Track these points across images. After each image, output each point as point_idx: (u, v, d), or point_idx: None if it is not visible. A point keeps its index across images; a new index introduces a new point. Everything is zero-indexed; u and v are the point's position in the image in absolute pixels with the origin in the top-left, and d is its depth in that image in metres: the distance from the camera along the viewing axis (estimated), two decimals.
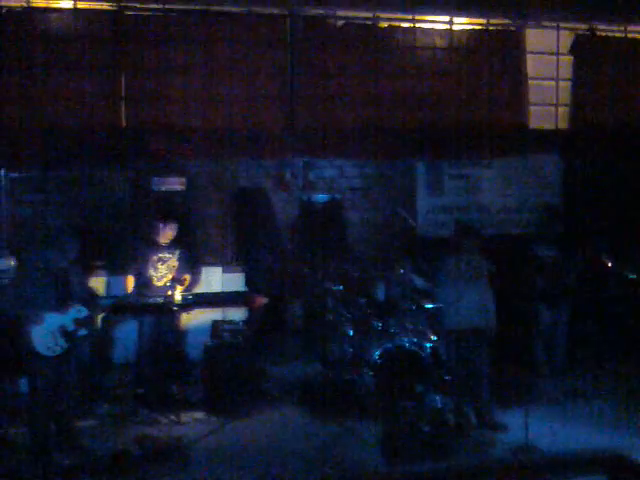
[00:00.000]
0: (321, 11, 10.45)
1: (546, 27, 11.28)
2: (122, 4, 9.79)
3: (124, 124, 9.95)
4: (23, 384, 9.19)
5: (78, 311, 8.35)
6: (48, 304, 8.24)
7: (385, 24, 10.70)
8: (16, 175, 10.63)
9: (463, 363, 9.48)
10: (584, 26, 11.39)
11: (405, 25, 10.79)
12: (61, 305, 8.29)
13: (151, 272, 10.06)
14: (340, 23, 10.58)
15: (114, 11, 9.80)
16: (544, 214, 12.13)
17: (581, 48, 11.39)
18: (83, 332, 8.40)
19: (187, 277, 10.05)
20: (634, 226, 11.90)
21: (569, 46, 11.38)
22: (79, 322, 8.33)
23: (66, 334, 8.27)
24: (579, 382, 10.72)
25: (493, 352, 9.53)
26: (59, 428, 8.55)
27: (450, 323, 9.62)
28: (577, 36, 11.38)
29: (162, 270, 10.08)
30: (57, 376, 8.36)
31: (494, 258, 9.76)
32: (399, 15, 10.75)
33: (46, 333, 8.18)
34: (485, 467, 8.46)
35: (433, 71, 10.92)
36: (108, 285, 10.62)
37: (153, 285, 9.97)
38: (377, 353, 9.79)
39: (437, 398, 9.45)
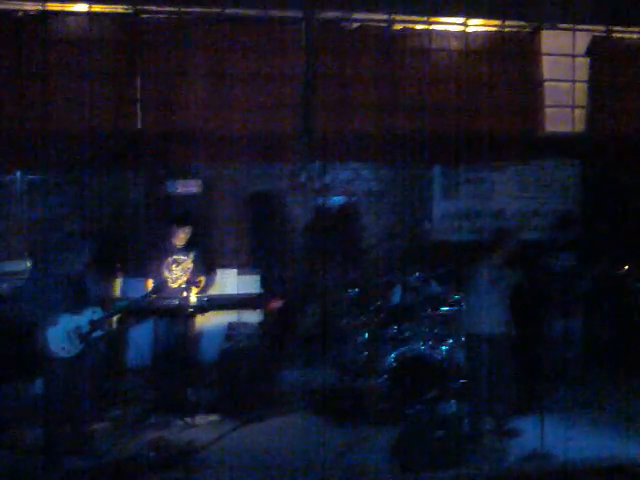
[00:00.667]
0: (336, 14, 10.45)
1: (562, 29, 11.24)
2: (137, 8, 9.83)
3: (140, 128, 9.99)
4: (37, 386, 9.21)
5: (94, 312, 8.38)
6: (64, 305, 8.27)
7: (400, 26, 10.70)
8: (33, 178, 10.66)
9: (479, 369, 9.42)
10: (600, 28, 11.34)
11: (420, 27, 10.78)
12: (77, 306, 8.32)
13: (166, 274, 10.06)
14: (355, 26, 10.59)
15: (129, 15, 9.86)
16: (560, 220, 12.05)
17: (597, 50, 11.36)
18: (98, 334, 8.42)
19: (202, 279, 10.04)
20: None
21: (585, 48, 11.34)
22: (94, 323, 8.36)
23: (81, 335, 8.30)
24: (593, 391, 10.64)
25: (509, 358, 9.47)
26: (73, 431, 8.57)
27: (467, 327, 9.58)
28: (593, 38, 11.34)
29: (177, 272, 10.07)
30: (72, 378, 8.38)
31: (511, 263, 9.72)
32: (414, 17, 10.75)
33: (61, 334, 8.23)
34: (497, 474, 8.42)
35: (448, 74, 10.95)
36: (124, 287, 10.63)
37: (168, 287, 9.97)
38: (392, 357, 9.78)
39: (452, 404, 9.46)
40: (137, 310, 9.31)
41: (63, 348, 8.23)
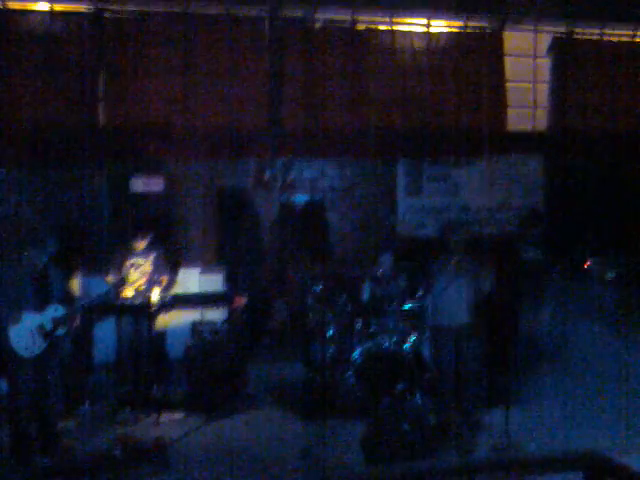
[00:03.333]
0: (300, 13, 10.46)
1: (524, 29, 11.34)
2: (100, 7, 9.76)
3: (102, 124, 9.93)
4: (3, 385, 9.14)
5: (55, 310, 8.32)
6: (26, 303, 8.21)
7: (363, 26, 10.74)
8: None
9: (446, 362, 9.48)
10: (562, 29, 11.45)
11: (383, 27, 10.83)
12: (39, 304, 8.26)
13: (125, 277, 10.02)
14: (319, 25, 10.61)
15: (92, 13, 9.78)
16: (523, 214, 12.18)
17: (558, 50, 11.47)
18: (61, 331, 8.37)
19: (164, 278, 10.02)
20: (614, 226, 11.97)
21: (546, 48, 11.45)
22: (57, 321, 8.30)
23: (45, 333, 8.24)
24: (563, 381, 10.73)
25: (475, 351, 9.54)
26: (40, 429, 8.51)
27: (432, 321, 9.64)
28: (554, 38, 11.45)
29: (135, 275, 10.03)
30: (37, 376, 8.32)
31: (476, 257, 9.80)
32: (377, 17, 10.78)
33: (24, 333, 8.15)
34: (464, 466, 8.46)
35: (412, 73, 10.95)
36: (86, 285, 10.57)
37: (126, 287, 9.92)
38: (357, 352, 9.83)
39: (418, 397, 9.52)
40: (98, 307, 9.26)
41: (26, 348, 8.16)
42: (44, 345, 8.26)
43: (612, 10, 11.28)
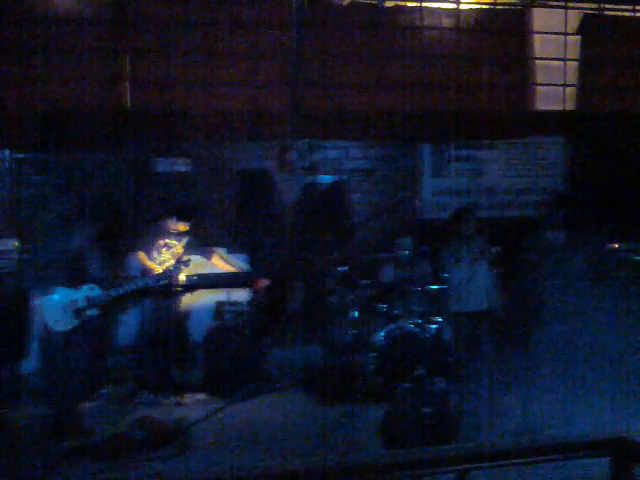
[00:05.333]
0: None
1: (554, 7, 11.18)
2: None
3: (128, 106, 9.95)
4: (25, 365, 9.24)
5: (91, 289, 8.42)
6: (62, 279, 8.33)
7: (392, 3, 10.64)
8: (21, 156, 10.64)
9: (468, 346, 9.44)
10: (592, 5, 11.29)
11: (411, 4, 10.73)
12: (75, 281, 8.36)
13: (154, 255, 10.06)
14: (346, 2, 10.53)
15: None
16: (550, 197, 12.06)
17: (589, 28, 11.30)
18: (93, 311, 8.48)
19: (190, 259, 10.05)
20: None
21: (577, 26, 11.29)
22: (90, 300, 8.40)
23: (77, 311, 8.34)
24: (587, 367, 10.63)
25: (498, 335, 9.49)
26: (63, 409, 8.58)
27: (455, 306, 9.60)
28: (585, 16, 11.29)
29: (166, 255, 10.07)
30: (65, 353, 8.42)
31: (498, 240, 9.74)
32: None
33: (57, 307, 8.27)
34: (487, 450, 8.42)
35: (439, 52, 10.88)
36: (120, 267, 10.60)
37: (154, 268, 9.96)
38: (381, 335, 9.80)
39: (440, 381, 9.47)
40: (129, 290, 9.30)
41: (56, 321, 8.28)
42: (75, 322, 8.36)
43: None
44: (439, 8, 10.89)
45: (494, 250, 9.44)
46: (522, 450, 8.07)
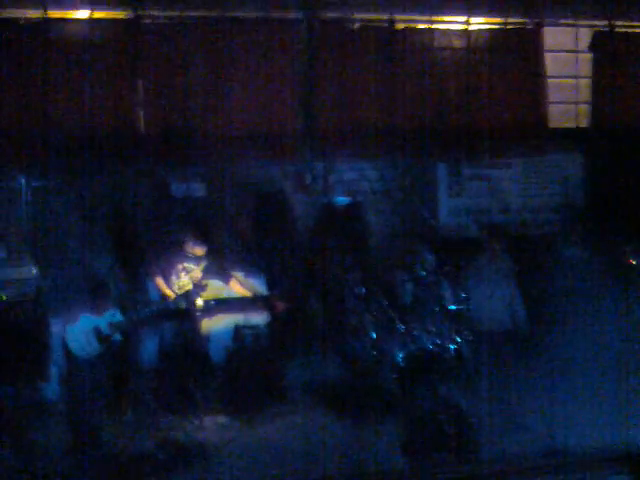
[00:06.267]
0: (337, 14, 10.48)
1: (564, 25, 11.24)
2: (138, 13, 9.85)
3: (142, 131, 10.02)
4: (46, 389, 9.28)
5: (113, 315, 8.47)
6: (84, 306, 8.36)
7: (402, 25, 10.71)
8: (39, 184, 10.71)
9: (487, 364, 9.41)
10: (603, 23, 11.33)
11: (422, 26, 10.80)
12: (97, 308, 8.39)
13: (173, 279, 10.08)
14: (357, 26, 10.61)
15: (131, 20, 9.88)
16: (567, 213, 12.04)
17: (600, 45, 11.34)
18: (117, 337, 8.51)
19: (208, 283, 10.06)
20: None
21: (588, 43, 11.33)
22: (113, 326, 8.43)
23: (100, 337, 8.37)
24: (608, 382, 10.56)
25: (521, 353, 9.44)
26: (85, 430, 8.58)
27: (476, 324, 9.58)
28: (596, 33, 11.33)
29: (184, 280, 10.08)
30: (89, 379, 8.45)
31: (517, 258, 9.73)
32: (415, 16, 10.77)
33: (80, 334, 8.31)
34: (508, 467, 8.39)
35: (451, 72, 10.97)
36: (144, 293, 10.62)
37: (173, 292, 9.98)
38: (400, 355, 9.78)
39: (460, 399, 9.43)
40: (150, 314, 9.30)
41: (81, 348, 8.32)
42: (98, 348, 8.39)
43: None
44: (451, 29, 10.96)
45: (518, 268, 9.43)
46: (541, 466, 8.08)
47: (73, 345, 8.31)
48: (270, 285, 10.90)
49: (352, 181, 11.78)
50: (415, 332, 9.96)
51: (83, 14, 9.85)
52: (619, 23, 11.39)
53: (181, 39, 9.95)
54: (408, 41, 10.76)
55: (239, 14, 10.16)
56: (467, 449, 8.43)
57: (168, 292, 9.96)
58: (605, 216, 11.73)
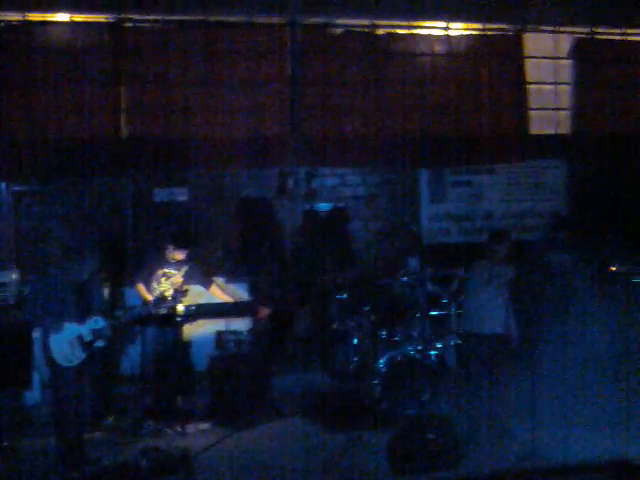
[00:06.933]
0: (320, 20, 10.47)
1: (544, 31, 11.29)
2: (120, 16, 9.79)
3: (125, 135, 9.96)
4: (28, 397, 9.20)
5: (96, 322, 8.38)
6: (67, 314, 8.27)
7: (383, 31, 10.72)
8: (20, 188, 10.63)
9: (472, 370, 9.41)
10: (583, 29, 11.39)
11: (403, 32, 10.81)
12: (79, 316, 8.31)
13: (154, 285, 10.03)
14: (339, 31, 10.60)
15: (112, 23, 9.82)
16: (549, 219, 12.09)
17: (580, 51, 11.40)
18: (100, 343, 8.44)
19: (189, 289, 10.01)
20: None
21: (569, 50, 11.39)
22: (96, 333, 8.36)
23: (84, 344, 8.29)
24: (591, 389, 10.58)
25: (505, 358, 9.44)
26: (70, 439, 8.49)
27: (458, 329, 9.59)
28: (576, 40, 11.39)
29: (165, 285, 10.04)
30: (75, 386, 8.36)
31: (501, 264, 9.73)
32: (397, 22, 10.79)
33: (63, 343, 8.22)
34: (491, 475, 8.39)
35: (432, 77, 10.98)
36: (125, 297, 10.58)
37: (154, 298, 9.92)
38: (382, 362, 9.76)
39: (444, 406, 9.44)
40: (130, 320, 9.25)
41: (65, 357, 8.23)
42: (83, 356, 8.32)
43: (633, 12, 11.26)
44: (432, 35, 10.97)
45: (511, 273, 9.44)
46: (524, 475, 8.08)
47: (57, 354, 8.21)
48: (252, 291, 10.90)
49: (335, 187, 11.79)
50: (399, 338, 9.95)
51: (63, 17, 9.76)
52: (600, 30, 11.43)
53: (163, 43, 9.88)
54: (389, 47, 10.77)
55: (223, 18, 10.11)
56: (452, 456, 8.41)
57: (149, 298, 9.91)
58: (587, 222, 11.79)
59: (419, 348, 9.80)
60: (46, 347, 8.24)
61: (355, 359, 10.12)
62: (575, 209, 12.40)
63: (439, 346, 9.91)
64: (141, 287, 10.09)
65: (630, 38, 11.56)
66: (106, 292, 9.72)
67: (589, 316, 11.06)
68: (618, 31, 11.50)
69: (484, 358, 9.20)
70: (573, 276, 10.79)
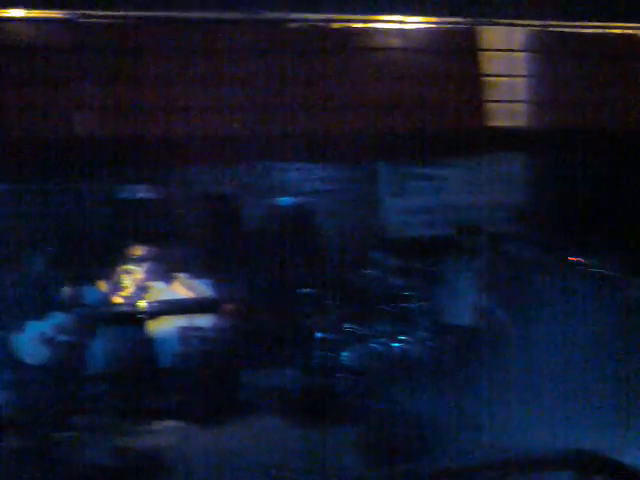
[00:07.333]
0: (276, 14, 10.44)
1: (500, 24, 11.36)
2: (77, 12, 9.67)
3: (81, 134, 9.84)
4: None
5: (55, 317, 8.32)
6: (27, 311, 8.20)
7: (338, 26, 10.72)
8: None
9: (437, 362, 9.48)
10: (538, 22, 11.49)
11: (357, 26, 10.82)
12: (40, 312, 8.24)
13: (116, 282, 9.96)
14: (293, 26, 10.58)
15: (69, 20, 9.69)
16: (508, 212, 12.20)
17: (535, 44, 11.50)
18: (62, 338, 8.36)
19: (152, 286, 9.96)
20: (601, 222, 11.97)
21: (524, 42, 11.48)
22: (58, 328, 8.29)
23: (46, 341, 8.22)
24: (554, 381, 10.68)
25: (465, 350, 9.53)
26: (38, 439, 8.41)
27: (431, 322, 9.66)
28: (531, 32, 11.49)
29: (128, 282, 9.97)
30: (41, 385, 8.29)
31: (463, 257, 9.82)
32: (352, 16, 10.78)
33: (27, 341, 8.15)
34: (457, 467, 8.43)
35: (389, 72, 10.97)
36: (84, 292, 10.45)
37: (117, 295, 9.86)
38: (346, 356, 9.79)
39: (412, 399, 9.47)
40: (93, 315, 9.17)
41: (29, 355, 8.16)
42: (47, 352, 8.25)
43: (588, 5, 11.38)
44: (387, 29, 10.99)
45: (478, 265, 9.54)
46: (485, 467, 8.14)
47: (23, 354, 8.15)
48: (215, 286, 10.85)
49: (297, 182, 11.80)
50: (364, 332, 9.99)
51: (18, 13, 9.60)
52: (554, 22, 11.53)
53: (124, 40, 9.78)
54: (344, 42, 10.76)
55: (181, 15, 10.03)
56: (420, 450, 8.45)
57: (111, 294, 9.84)
58: (546, 214, 11.92)
59: (385, 342, 9.85)
60: (9, 345, 8.18)
61: (322, 354, 10.13)
62: (534, 201, 12.51)
63: (405, 339, 9.96)
64: (102, 284, 10.01)
65: (584, 31, 11.67)
66: (67, 289, 9.61)
67: (550, 307, 11.21)
68: (572, 24, 11.61)
69: (452, 350, 9.28)
70: (534, 268, 10.92)
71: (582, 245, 11.08)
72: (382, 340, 9.82)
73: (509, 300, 10.80)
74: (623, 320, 10.83)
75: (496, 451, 8.55)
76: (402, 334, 9.99)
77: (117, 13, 9.87)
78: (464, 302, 9.55)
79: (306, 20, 10.68)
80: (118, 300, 9.62)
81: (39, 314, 8.29)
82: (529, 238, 11.36)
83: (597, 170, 12.13)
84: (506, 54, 11.46)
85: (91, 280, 10.16)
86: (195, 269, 10.95)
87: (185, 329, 10.22)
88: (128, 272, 9.91)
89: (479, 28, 11.31)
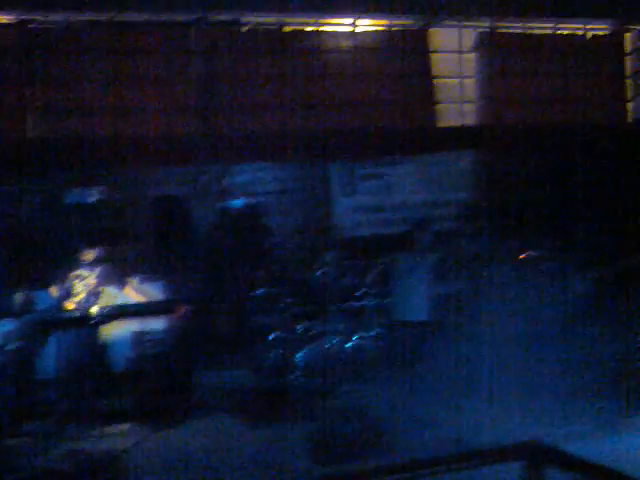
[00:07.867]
0: (228, 16, 10.48)
1: (449, 26, 11.50)
2: (25, 17, 9.66)
3: (31, 136, 9.81)
4: None
5: (3, 325, 8.26)
6: None
7: (290, 28, 10.78)
8: None
9: (387, 359, 9.54)
10: (485, 24, 11.65)
11: (309, 29, 10.89)
12: None
13: (67, 288, 9.91)
14: (246, 28, 10.63)
15: (17, 24, 9.67)
16: (459, 210, 12.33)
17: (483, 45, 11.66)
18: (11, 346, 8.31)
19: (104, 290, 9.93)
20: (549, 218, 12.12)
21: (472, 44, 11.63)
22: (6, 335, 8.24)
23: None
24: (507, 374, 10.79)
25: (429, 345, 9.58)
26: None
27: (386, 318, 9.73)
28: (479, 34, 11.64)
29: (79, 287, 9.92)
30: None
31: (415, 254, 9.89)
32: (303, 19, 10.86)
33: None
34: (409, 461, 8.49)
35: (340, 73, 11.06)
36: (33, 299, 10.40)
37: (69, 300, 9.82)
38: (300, 355, 9.84)
39: (366, 396, 9.53)
40: (45, 321, 9.14)
41: None
42: None
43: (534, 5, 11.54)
44: (338, 32, 11.07)
45: (432, 262, 9.62)
46: (436, 460, 8.21)
47: None
48: (168, 290, 10.84)
49: (248, 183, 11.84)
50: (318, 330, 10.04)
51: None
52: (500, 24, 11.70)
53: (70, 43, 9.77)
54: (297, 44, 10.83)
55: (128, 18, 10.04)
56: (374, 446, 8.51)
57: (62, 300, 9.80)
58: (496, 212, 12.04)
59: (339, 340, 9.91)
60: None
61: (274, 354, 10.16)
62: (484, 199, 12.64)
63: (360, 337, 10.02)
64: (54, 289, 9.96)
65: (531, 31, 11.86)
66: (16, 295, 9.57)
67: (502, 301, 11.32)
68: (520, 24, 11.79)
69: (408, 346, 9.36)
70: (483, 264, 11.03)
71: (532, 239, 11.21)
72: (336, 338, 9.86)
73: (460, 295, 10.91)
74: (570, 311, 10.99)
75: (448, 444, 8.65)
76: (356, 331, 10.04)
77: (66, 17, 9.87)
78: (417, 298, 9.62)
79: (259, 23, 10.74)
80: (69, 305, 9.58)
81: None
82: (480, 234, 11.46)
83: (547, 166, 12.31)
84: (455, 55, 11.61)
85: (42, 286, 10.13)
86: (147, 272, 10.94)
87: (137, 332, 10.21)
88: (79, 276, 9.86)
89: (428, 30, 11.44)
